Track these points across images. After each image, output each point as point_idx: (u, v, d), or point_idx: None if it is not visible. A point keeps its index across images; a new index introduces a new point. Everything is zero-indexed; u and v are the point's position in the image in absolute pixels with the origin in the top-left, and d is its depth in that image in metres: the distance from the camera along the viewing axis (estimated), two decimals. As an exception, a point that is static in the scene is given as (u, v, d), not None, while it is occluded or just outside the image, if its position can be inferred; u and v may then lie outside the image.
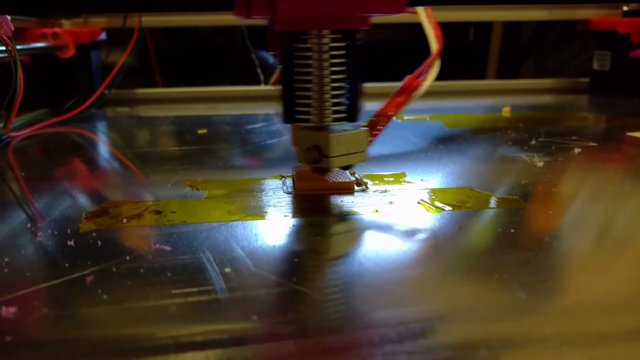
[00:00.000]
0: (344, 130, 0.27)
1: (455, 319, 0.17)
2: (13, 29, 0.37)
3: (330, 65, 0.27)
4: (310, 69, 0.27)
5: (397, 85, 0.31)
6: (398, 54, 0.72)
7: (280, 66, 0.28)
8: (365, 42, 0.28)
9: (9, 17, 0.37)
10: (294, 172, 0.31)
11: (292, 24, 0.27)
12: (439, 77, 0.71)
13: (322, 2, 0.25)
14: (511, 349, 0.16)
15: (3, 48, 0.38)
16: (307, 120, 0.27)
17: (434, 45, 0.31)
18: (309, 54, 0.27)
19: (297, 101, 0.27)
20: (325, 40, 0.27)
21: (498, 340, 0.16)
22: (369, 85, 0.33)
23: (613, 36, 0.66)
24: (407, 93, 0.31)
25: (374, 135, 0.30)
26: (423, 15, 0.32)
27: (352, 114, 0.28)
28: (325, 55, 0.27)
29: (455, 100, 0.67)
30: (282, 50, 0.27)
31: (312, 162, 0.27)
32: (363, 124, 0.30)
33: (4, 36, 0.37)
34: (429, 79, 0.31)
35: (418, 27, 0.34)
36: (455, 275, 0.20)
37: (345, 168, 0.28)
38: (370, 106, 0.30)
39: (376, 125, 0.30)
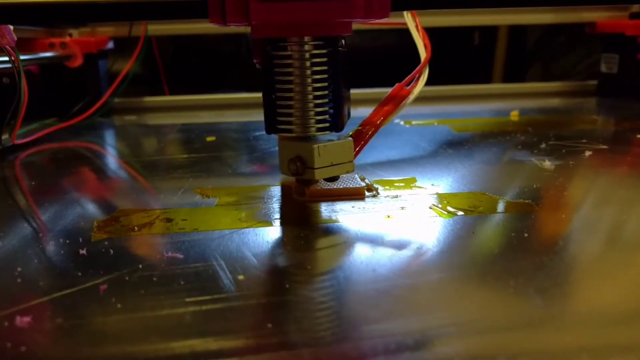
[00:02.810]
0: (329, 140, 0.27)
1: (473, 327, 0.17)
2: (16, 39, 0.37)
3: (311, 73, 0.26)
4: (291, 77, 0.26)
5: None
6: (398, 59, 0.72)
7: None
8: (348, 48, 0.27)
9: (11, 27, 0.37)
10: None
11: (269, 31, 0.26)
12: (445, 82, 0.70)
13: (296, 9, 0.24)
14: (530, 358, 0.16)
15: (7, 58, 0.38)
16: (290, 131, 0.26)
17: (423, 53, 0.31)
18: (290, 61, 0.26)
19: (279, 110, 0.26)
20: (306, 47, 0.26)
21: (517, 349, 0.16)
22: (363, 92, 0.32)
23: (620, 39, 0.66)
24: (394, 102, 0.30)
25: (361, 145, 0.29)
26: (411, 23, 0.32)
27: (336, 123, 0.27)
28: (307, 63, 0.26)
29: (462, 105, 0.67)
30: (262, 57, 0.26)
31: (294, 173, 0.27)
32: (349, 133, 0.29)
33: (7, 47, 0.37)
34: (418, 87, 0.30)
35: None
36: (471, 282, 0.20)
37: (330, 180, 0.28)
38: (364, 112, 0.30)
39: (363, 134, 0.29)
